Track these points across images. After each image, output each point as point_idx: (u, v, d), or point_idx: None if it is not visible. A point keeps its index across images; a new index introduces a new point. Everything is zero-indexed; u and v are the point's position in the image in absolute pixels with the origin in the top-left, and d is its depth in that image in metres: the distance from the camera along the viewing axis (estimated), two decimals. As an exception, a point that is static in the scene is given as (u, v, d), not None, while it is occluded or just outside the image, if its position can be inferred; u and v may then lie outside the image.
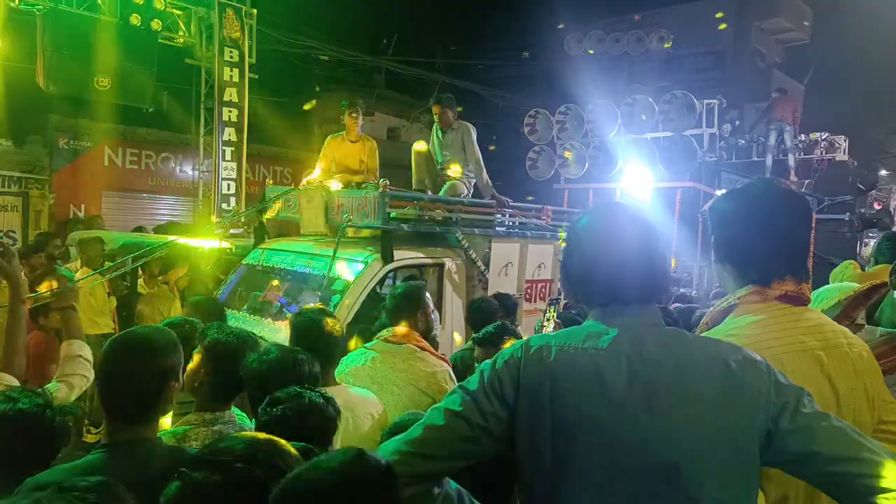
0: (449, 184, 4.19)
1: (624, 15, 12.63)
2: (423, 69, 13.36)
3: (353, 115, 4.25)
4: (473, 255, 3.78)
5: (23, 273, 1.97)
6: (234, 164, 8.50)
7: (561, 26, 11.23)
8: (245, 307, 3.67)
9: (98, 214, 8.63)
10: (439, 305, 3.49)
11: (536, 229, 4.35)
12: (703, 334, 1.18)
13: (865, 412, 1.10)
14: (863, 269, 2.23)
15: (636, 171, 7.44)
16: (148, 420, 1.28)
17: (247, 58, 8.43)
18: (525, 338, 1.10)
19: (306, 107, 10.40)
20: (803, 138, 9.27)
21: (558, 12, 11.64)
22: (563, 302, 3.31)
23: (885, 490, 0.84)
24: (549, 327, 3.04)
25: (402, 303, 2.28)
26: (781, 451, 0.90)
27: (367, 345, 2.29)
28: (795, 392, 0.92)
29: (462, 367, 2.52)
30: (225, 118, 8.33)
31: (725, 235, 1.20)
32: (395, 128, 14.17)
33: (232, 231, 6.44)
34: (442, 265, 3.67)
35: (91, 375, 1.84)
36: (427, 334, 2.29)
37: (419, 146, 4.36)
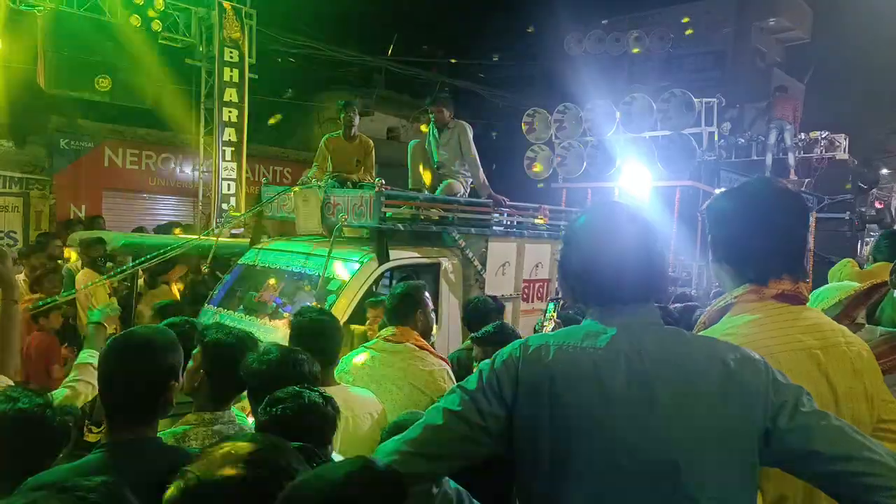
0: (445, 183, 4.19)
1: (624, 14, 12.63)
2: (422, 69, 13.36)
3: (350, 114, 4.26)
4: (470, 255, 3.77)
5: (24, 273, 2.00)
6: (234, 165, 8.51)
7: (567, 30, 11.20)
8: (241, 307, 3.68)
9: (100, 215, 8.65)
10: (435, 305, 3.47)
11: (533, 229, 4.35)
12: (700, 333, 1.18)
13: (864, 411, 1.10)
14: (861, 268, 2.22)
15: (635, 170, 7.43)
16: (148, 420, 1.29)
17: (247, 58, 8.44)
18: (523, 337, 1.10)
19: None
20: (803, 137, 9.26)
21: (558, 12, 11.63)
22: (561, 302, 3.30)
23: (885, 489, 0.84)
24: (549, 327, 3.04)
25: (402, 302, 2.29)
26: (780, 450, 0.90)
27: (367, 344, 2.30)
28: (794, 391, 0.92)
29: (459, 367, 2.53)
30: (225, 118, 8.34)
31: (722, 234, 1.20)
32: (394, 128, 14.16)
33: (233, 231, 6.46)
34: (438, 265, 3.66)
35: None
36: (427, 334, 2.30)
37: (415, 145, 4.36)
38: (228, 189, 8.51)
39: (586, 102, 8.04)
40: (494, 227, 4.07)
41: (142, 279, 5.08)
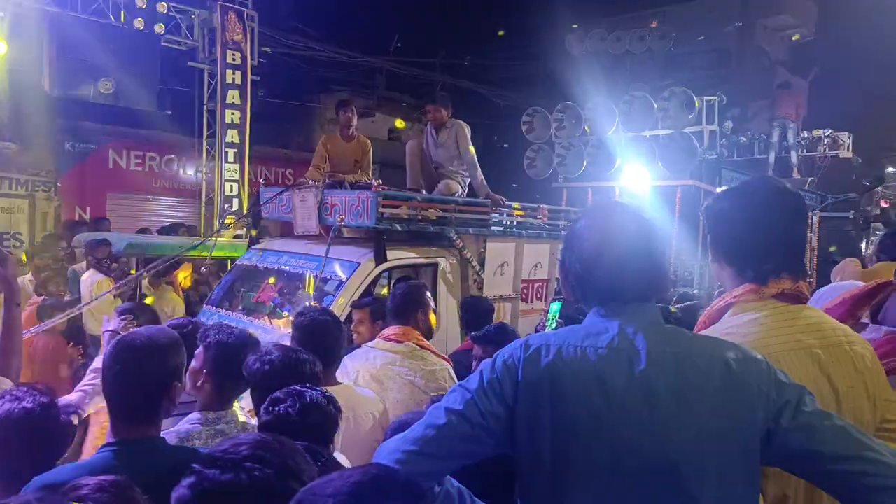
0: (443, 183, 4.18)
1: (626, 13, 12.59)
2: (423, 70, 13.36)
3: (347, 113, 4.27)
4: (468, 255, 3.75)
5: (30, 274, 2.02)
6: (236, 166, 8.54)
7: (574, 26, 11.17)
8: (239, 307, 3.69)
9: (105, 216, 8.69)
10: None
11: (532, 228, 4.33)
12: (700, 333, 1.18)
13: (866, 411, 1.10)
14: (865, 267, 2.22)
15: (635, 170, 7.40)
16: (152, 420, 1.30)
17: (249, 60, 8.47)
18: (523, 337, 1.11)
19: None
20: (806, 135, 9.20)
21: (560, 12, 11.61)
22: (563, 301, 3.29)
23: (889, 489, 0.84)
24: (552, 327, 3.04)
25: (404, 302, 2.29)
26: (782, 449, 0.90)
27: (369, 343, 2.30)
28: (796, 390, 0.92)
29: (459, 368, 2.53)
30: (227, 120, 8.37)
31: (721, 234, 1.20)
32: (395, 128, 14.18)
33: (237, 233, 6.48)
34: (436, 265, 3.64)
35: None
36: (428, 334, 2.31)
37: (413, 145, 4.35)
38: (231, 190, 8.54)
39: (587, 101, 8.01)
40: (493, 227, 4.06)
41: (145, 280, 5.11)
